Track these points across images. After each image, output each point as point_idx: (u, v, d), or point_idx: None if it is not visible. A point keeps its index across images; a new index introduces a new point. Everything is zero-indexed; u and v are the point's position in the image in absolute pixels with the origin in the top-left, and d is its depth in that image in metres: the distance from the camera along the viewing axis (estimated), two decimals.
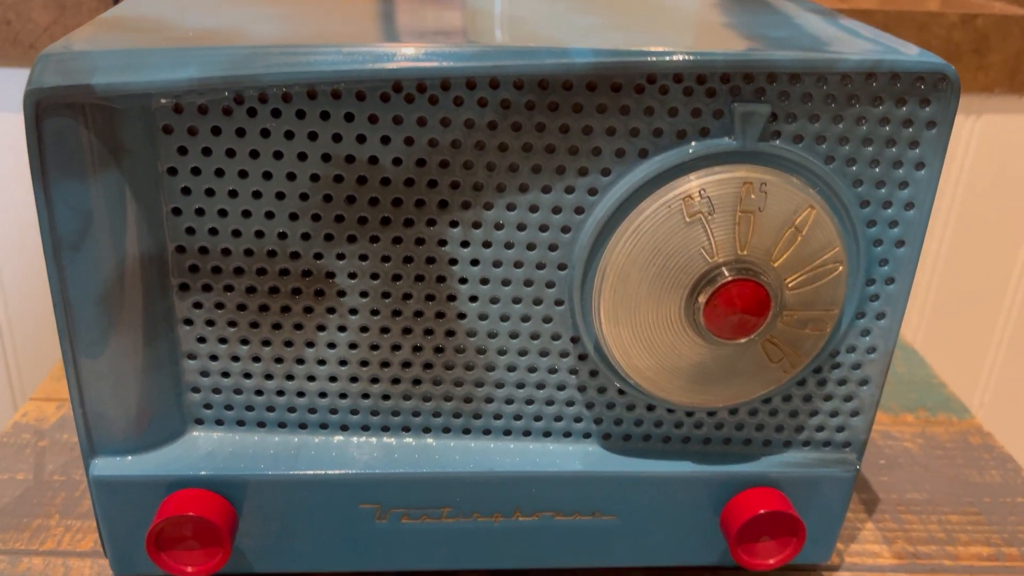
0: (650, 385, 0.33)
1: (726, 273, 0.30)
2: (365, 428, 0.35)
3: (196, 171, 0.30)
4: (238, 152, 0.30)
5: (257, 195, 0.30)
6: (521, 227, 0.31)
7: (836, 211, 0.31)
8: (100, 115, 0.28)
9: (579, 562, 0.36)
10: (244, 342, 0.33)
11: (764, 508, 0.34)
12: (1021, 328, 0.69)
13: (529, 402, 0.34)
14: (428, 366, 0.34)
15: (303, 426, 0.35)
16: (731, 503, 0.35)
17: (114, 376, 0.32)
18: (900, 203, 0.31)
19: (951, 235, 0.65)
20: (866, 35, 0.32)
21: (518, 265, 0.32)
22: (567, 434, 0.35)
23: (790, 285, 0.31)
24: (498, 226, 0.31)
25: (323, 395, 0.34)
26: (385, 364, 0.33)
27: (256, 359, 0.33)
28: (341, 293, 0.32)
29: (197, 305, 0.32)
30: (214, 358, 0.33)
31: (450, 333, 0.33)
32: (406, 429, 0.35)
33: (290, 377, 0.34)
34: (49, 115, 0.28)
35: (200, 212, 0.31)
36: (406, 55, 0.28)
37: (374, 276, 0.32)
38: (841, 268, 0.31)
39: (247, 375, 0.33)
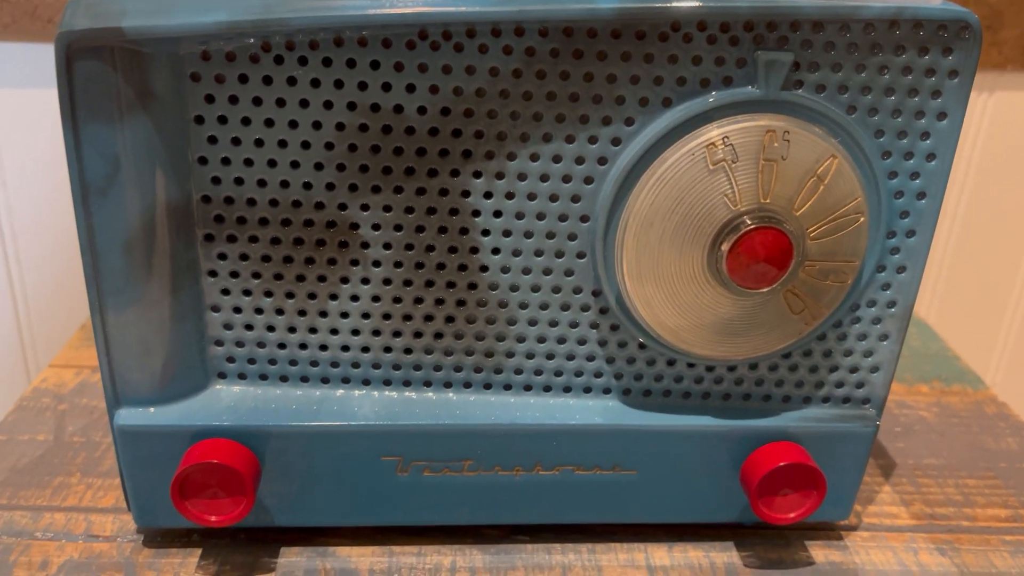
0: (672, 338, 0.33)
1: (748, 221, 0.30)
2: (387, 382, 0.35)
3: (223, 119, 0.30)
4: (264, 100, 0.30)
5: (283, 144, 0.31)
6: (544, 178, 0.31)
7: (858, 161, 0.31)
8: (129, 59, 0.28)
9: (600, 518, 0.36)
10: (268, 294, 0.33)
11: (784, 460, 0.34)
12: None
13: (550, 356, 0.35)
14: (450, 319, 0.34)
15: (325, 380, 0.35)
16: (751, 457, 0.35)
17: (139, 326, 0.32)
18: (921, 154, 0.32)
19: (963, 212, 0.65)
20: None
21: (540, 217, 0.32)
22: (587, 389, 0.35)
23: (812, 234, 0.31)
24: (521, 177, 0.31)
25: (345, 348, 0.34)
26: (407, 317, 0.34)
27: (279, 311, 0.33)
28: (365, 245, 0.32)
29: (222, 256, 0.32)
30: (238, 310, 0.33)
31: (472, 286, 0.33)
32: (427, 384, 0.35)
33: (313, 330, 0.34)
34: (79, 58, 0.28)
35: (226, 161, 0.31)
36: (430, 1, 0.28)
37: (397, 227, 0.32)
38: (863, 219, 0.31)
39: (270, 328, 0.34)
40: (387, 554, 0.36)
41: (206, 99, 0.30)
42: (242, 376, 0.35)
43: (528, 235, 0.32)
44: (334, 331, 0.34)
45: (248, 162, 0.31)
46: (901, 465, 0.43)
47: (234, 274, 0.33)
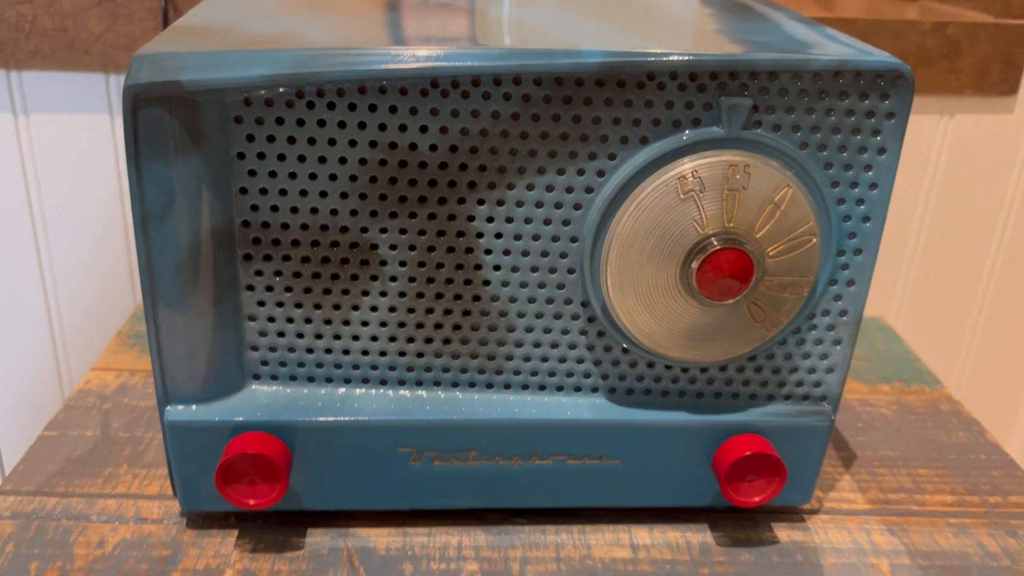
0: (651, 343, 0.38)
1: (715, 242, 0.35)
2: (401, 382, 0.40)
3: (261, 155, 0.35)
4: (298, 139, 0.35)
5: (313, 176, 0.35)
6: (539, 204, 0.36)
7: (810, 190, 0.36)
8: (184, 107, 0.33)
9: (589, 502, 0.41)
10: (298, 305, 0.38)
11: (750, 450, 0.38)
12: (995, 312, 0.74)
13: (544, 359, 0.39)
14: (457, 327, 0.39)
15: (347, 380, 0.40)
16: (721, 448, 0.40)
17: (186, 333, 0.37)
18: (865, 183, 0.36)
19: (928, 226, 0.70)
20: (837, 39, 0.37)
21: (536, 238, 0.37)
22: (577, 388, 0.40)
23: (771, 253, 0.36)
24: (519, 204, 0.36)
25: (365, 353, 0.39)
26: (420, 325, 0.38)
27: (308, 320, 0.38)
28: (383, 263, 0.37)
29: (258, 273, 0.37)
30: (271, 320, 0.38)
31: (476, 298, 0.38)
32: (437, 383, 0.40)
33: (337, 337, 0.39)
34: (143, 106, 0.33)
35: (263, 191, 0.36)
36: (442, 56, 0.33)
37: (412, 247, 0.37)
38: (815, 240, 0.36)
39: (300, 335, 0.38)
40: (401, 534, 0.41)
41: (247, 138, 0.35)
42: (274, 377, 0.39)
43: (525, 254, 0.37)
44: (355, 337, 0.39)
45: (283, 192, 0.36)
46: (861, 456, 0.48)
47: (269, 288, 0.37)
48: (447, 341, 0.39)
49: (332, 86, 0.34)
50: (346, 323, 0.38)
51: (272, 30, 0.36)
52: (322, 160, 0.35)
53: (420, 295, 0.38)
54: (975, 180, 0.68)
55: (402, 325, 0.38)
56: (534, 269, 0.37)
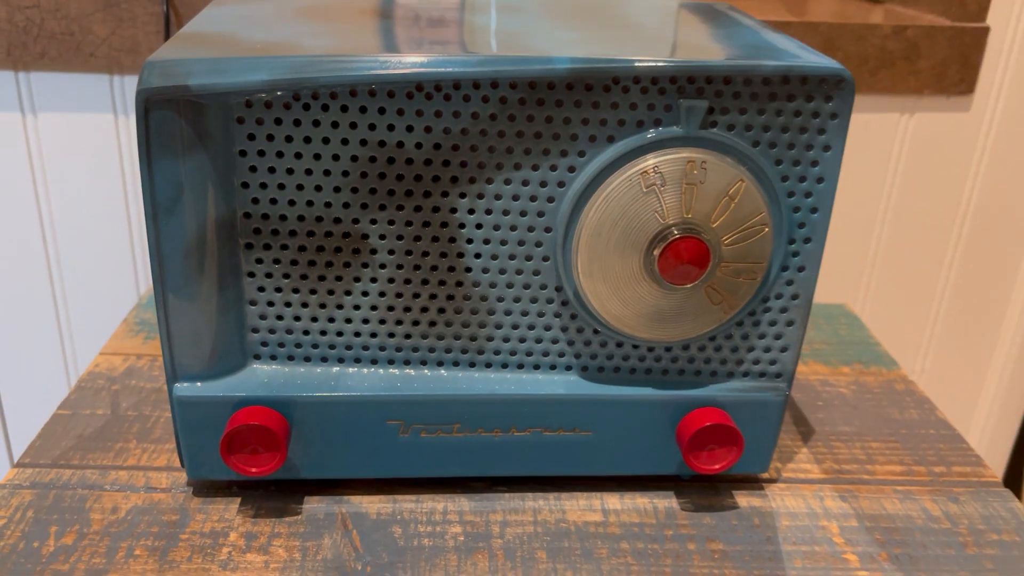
0: (619, 324, 0.41)
1: (675, 232, 0.39)
2: (391, 361, 0.43)
3: (261, 153, 0.38)
4: (294, 138, 0.38)
5: (308, 172, 0.39)
6: (515, 197, 0.40)
7: (762, 184, 0.40)
8: (191, 109, 0.37)
9: (563, 471, 0.45)
10: (295, 291, 0.41)
11: (710, 421, 0.42)
12: (955, 301, 0.78)
13: (522, 340, 0.43)
14: (441, 310, 0.42)
15: (341, 360, 0.43)
16: (684, 420, 0.43)
17: (192, 317, 0.40)
18: (812, 177, 0.40)
19: (891, 218, 0.74)
20: (787, 46, 0.41)
21: (513, 228, 0.40)
22: (552, 366, 0.44)
23: (726, 242, 0.40)
24: (497, 197, 0.40)
25: (357, 334, 0.42)
26: (407, 309, 0.42)
27: (304, 304, 0.42)
28: (373, 251, 0.40)
29: (259, 261, 0.40)
30: (271, 304, 0.41)
31: (459, 283, 0.41)
32: (423, 362, 0.43)
33: (331, 320, 0.42)
34: (154, 108, 0.36)
35: (263, 186, 0.39)
36: (426, 62, 0.37)
37: (399, 237, 0.40)
38: (767, 229, 0.40)
39: (297, 318, 0.42)
40: (391, 501, 0.44)
41: (248, 137, 0.38)
42: (273, 357, 0.43)
43: (503, 243, 0.41)
44: (348, 320, 0.42)
45: (281, 186, 0.39)
46: (819, 432, 0.52)
47: (268, 275, 0.41)
48: (432, 323, 0.42)
49: (326, 90, 0.37)
50: (339, 307, 0.42)
51: (271, 38, 0.39)
52: (317, 157, 0.38)
53: (407, 281, 0.41)
54: (935, 175, 0.72)
55: (391, 309, 0.42)
56: (511, 257, 0.41)
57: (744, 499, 0.46)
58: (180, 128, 0.37)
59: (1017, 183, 0.73)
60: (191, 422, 0.42)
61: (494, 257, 0.41)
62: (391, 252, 0.40)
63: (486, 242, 0.40)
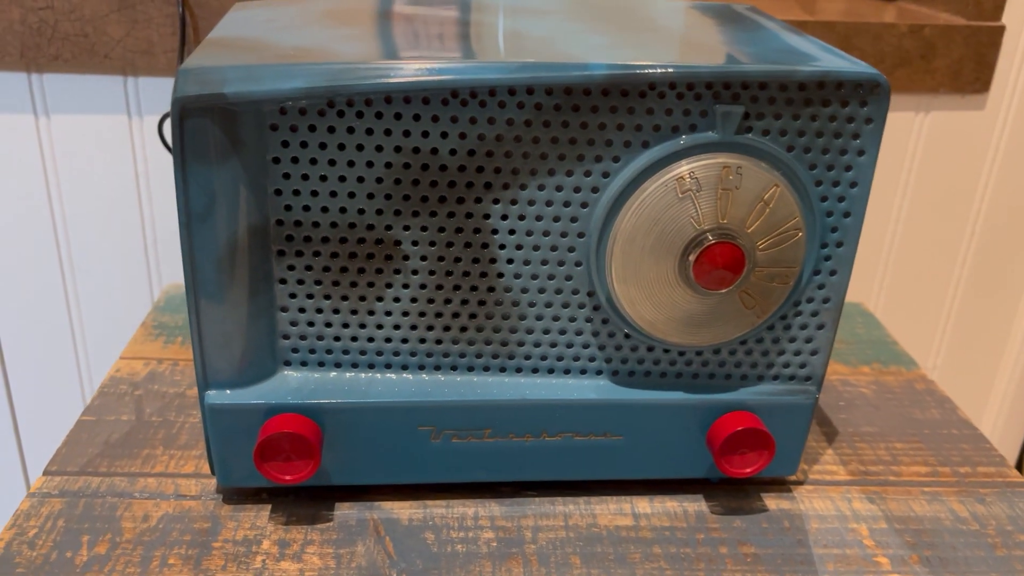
0: (651, 329, 0.41)
1: (710, 237, 0.39)
2: (421, 367, 0.43)
3: (295, 160, 0.38)
4: (328, 145, 0.38)
5: (342, 179, 0.39)
6: (549, 203, 0.40)
7: (796, 189, 0.40)
8: (225, 116, 0.36)
9: (594, 475, 0.45)
10: (327, 297, 0.41)
11: (742, 426, 0.42)
12: (968, 298, 0.78)
13: (553, 345, 0.43)
14: (473, 316, 0.42)
15: (371, 366, 0.43)
16: (715, 424, 0.43)
17: (224, 323, 0.40)
18: (846, 182, 0.40)
19: (905, 216, 0.74)
20: (821, 50, 0.41)
21: (546, 234, 0.40)
22: (583, 371, 0.44)
23: (761, 247, 0.39)
24: (531, 202, 0.39)
25: (388, 340, 0.42)
26: (439, 315, 0.42)
27: (336, 311, 0.41)
28: (405, 257, 0.40)
29: (291, 267, 0.40)
30: (302, 311, 0.41)
31: (491, 289, 0.41)
32: (454, 368, 0.43)
33: (362, 326, 0.42)
34: (189, 116, 0.36)
35: (296, 192, 0.39)
36: (461, 69, 0.37)
37: (432, 243, 0.40)
38: (801, 234, 0.40)
39: (328, 324, 0.42)
40: (422, 507, 0.44)
41: (282, 144, 0.38)
42: (304, 364, 0.43)
43: (536, 248, 0.40)
44: (379, 326, 0.42)
45: (314, 193, 0.39)
46: (842, 432, 0.52)
47: (300, 282, 0.41)
48: (464, 329, 0.42)
49: (361, 96, 0.37)
50: (371, 313, 0.41)
51: (303, 44, 0.39)
52: (351, 164, 0.38)
53: (439, 287, 0.41)
54: (949, 173, 0.72)
55: (422, 315, 0.42)
56: (544, 262, 0.41)
57: (773, 502, 0.46)
58: (215, 135, 0.36)
59: None
60: (222, 430, 0.42)
61: (526, 263, 0.41)
62: (423, 258, 0.40)
63: (518, 248, 0.40)
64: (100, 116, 0.65)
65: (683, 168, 0.38)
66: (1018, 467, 0.87)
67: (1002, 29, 0.66)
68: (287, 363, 0.43)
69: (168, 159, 0.66)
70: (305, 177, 0.38)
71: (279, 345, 0.42)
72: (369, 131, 0.38)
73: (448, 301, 0.41)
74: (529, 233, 0.40)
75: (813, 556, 0.42)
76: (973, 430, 0.52)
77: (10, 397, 0.74)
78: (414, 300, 0.41)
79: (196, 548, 0.41)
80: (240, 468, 0.42)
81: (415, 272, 0.41)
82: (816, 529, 0.44)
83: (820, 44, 0.42)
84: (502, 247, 0.40)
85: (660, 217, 0.38)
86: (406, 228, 0.40)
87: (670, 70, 0.37)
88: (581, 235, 0.40)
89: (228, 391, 0.42)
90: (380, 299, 0.41)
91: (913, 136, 0.70)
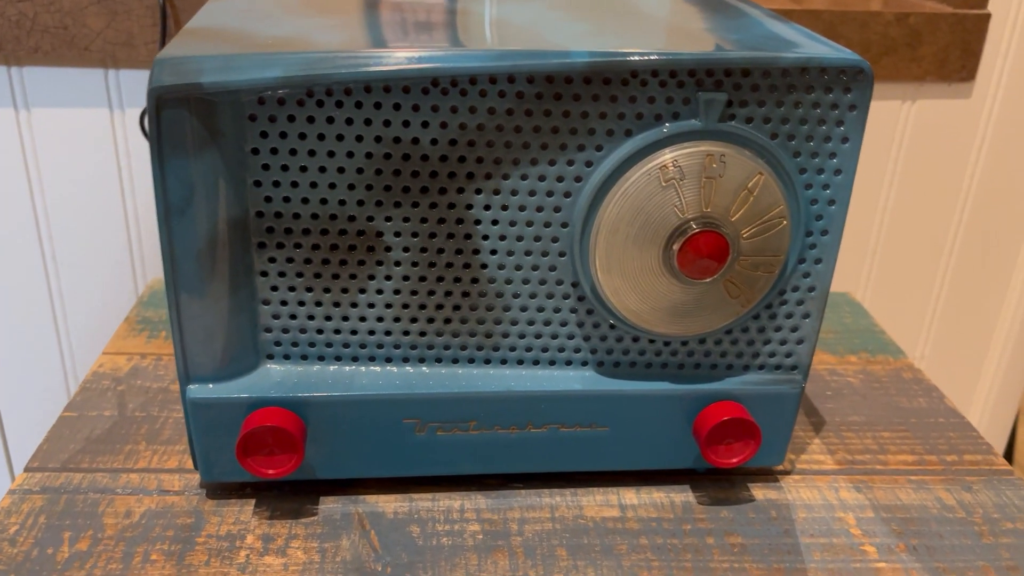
0: (636, 319, 0.41)
1: (694, 226, 0.38)
2: (405, 359, 0.43)
3: (274, 151, 0.38)
4: (308, 135, 0.37)
5: (322, 170, 0.38)
6: (532, 193, 0.39)
7: (780, 177, 0.39)
8: (203, 107, 0.36)
9: (580, 466, 0.44)
10: (309, 290, 0.41)
11: (728, 416, 0.42)
12: (956, 287, 0.78)
13: (538, 336, 0.42)
14: (457, 307, 0.42)
15: (355, 359, 0.42)
16: (701, 414, 0.43)
17: (205, 317, 0.40)
18: (830, 170, 0.40)
19: (892, 205, 0.74)
20: (804, 37, 0.40)
21: (529, 224, 0.40)
22: (568, 362, 0.43)
23: (745, 235, 0.39)
24: (513, 192, 0.39)
25: (372, 333, 0.42)
26: (422, 306, 0.41)
27: (318, 304, 0.41)
28: (388, 248, 0.40)
29: (271, 260, 0.40)
30: (284, 303, 0.41)
31: (474, 280, 0.41)
32: (439, 360, 0.43)
33: (345, 318, 0.41)
34: (165, 107, 0.35)
35: (276, 184, 0.38)
36: (442, 57, 0.36)
37: (414, 234, 0.40)
38: (785, 222, 0.40)
39: (310, 317, 0.41)
40: (407, 500, 0.44)
41: (261, 135, 0.37)
42: (287, 357, 0.42)
43: (519, 239, 0.40)
44: (362, 319, 0.41)
45: (294, 184, 0.38)
46: (829, 422, 0.52)
47: (281, 274, 0.40)
48: (447, 321, 0.42)
49: (340, 86, 0.36)
50: (353, 305, 0.41)
51: (281, 33, 0.39)
52: (331, 154, 0.38)
53: (422, 278, 0.41)
54: (936, 163, 0.72)
55: (405, 307, 0.41)
56: (527, 253, 0.40)
57: (760, 491, 0.46)
58: (192, 126, 0.36)
59: (1018, 170, 0.73)
60: (204, 424, 0.41)
61: (510, 253, 0.40)
62: (406, 250, 0.40)
63: (502, 238, 0.40)
64: (81, 109, 0.64)
65: (666, 156, 0.38)
66: (1006, 456, 0.87)
67: (988, 17, 0.66)
68: (269, 356, 0.42)
69: None
70: (285, 168, 0.38)
71: (261, 338, 0.42)
72: (349, 121, 0.37)
73: (431, 293, 0.41)
74: (512, 224, 0.40)
75: (800, 546, 0.42)
76: (960, 418, 0.52)
77: None
78: (397, 292, 0.41)
79: (179, 543, 0.40)
80: (223, 463, 0.42)
81: (397, 264, 0.40)
82: (803, 519, 0.44)
83: (804, 31, 0.42)
84: (485, 238, 0.40)
85: (644, 206, 0.38)
86: (388, 219, 0.39)
87: (652, 57, 0.37)
88: (564, 225, 0.40)
89: (210, 385, 0.41)
90: (362, 291, 0.41)
91: (899, 125, 0.70)
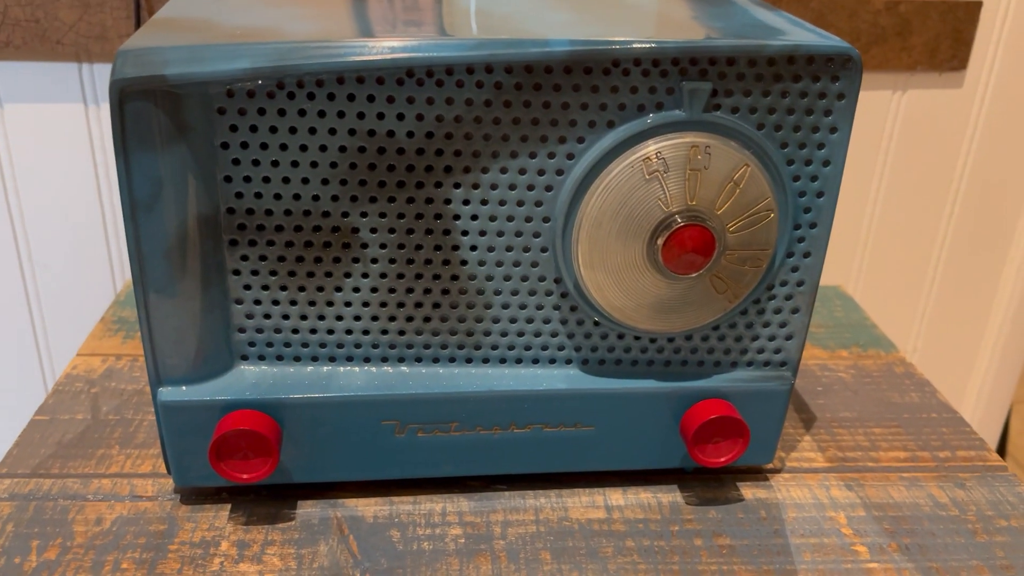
0: (620, 316, 0.40)
1: (679, 220, 0.37)
2: (384, 359, 0.41)
3: (244, 145, 0.36)
4: (279, 129, 0.36)
5: (295, 164, 0.37)
6: (512, 187, 0.38)
7: (767, 168, 0.38)
8: (168, 99, 0.35)
9: (565, 467, 0.43)
10: (283, 288, 0.39)
11: (715, 414, 0.41)
12: (948, 280, 0.77)
13: (520, 334, 0.41)
14: (436, 305, 0.40)
15: (332, 359, 0.41)
16: (688, 412, 0.42)
17: (176, 318, 0.38)
18: (818, 160, 0.39)
19: (883, 196, 0.73)
20: (792, 24, 0.39)
21: (510, 219, 0.39)
22: (552, 360, 0.42)
23: (731, 229, 0.38)
24: (493, 186, 0.38)
25: (349, 332, 0.41)
26: (400, 304, 0.40)
27: (293, 303, 0.40)
28: (364, 245, 0.39)
29: (244, 258, 0.39)
30: (257, 303, 0.40)
31: (454, 277, 0.40)
32: (418, 359, 0.42)
33: (321, 317, 0.40)
34: (129, 100, 0.34)
35: (247, 179, 0.37)
36: (417, 47, 0.35)
37: (391, 230, 0.38)
38: (772, 215, 0.39)
39: (285, 316, 0.40)
40: (388, 503, 0.43)
41: (230, 128, 0.36)
42: (261, 358, 0.41)
43: (500, 234, 0.39)
44: (339, 317, 0.40)
45: (266, 179, 0.37)
46: (820, 418, 0.51)
47: (254, 272, 0.39)
48: (427, 319, 0.41)
49: (311, 77, 0.35)
50: (329, 304, 0.40)
51: (251, 23, 0.37)
52: (303, 148, 0.37)
53: (400, 276, 0.39)
54: (927, 153, 0.71)
55: (383, 305, 0.40)
56: (509, 248, 0.39)
57: (749, 491, 0.45)
58: (158, 120, 0.35)
59: (1009, 159, 0.72)
60: (177, 428, 0.40)
61: (490, 249, 0.39)
62: (382, 246, 0.39)
63: (482, 234, 0.39)
64: (55, 105, 0.63)
65: (650, 148, 0.37)
66: (999, 451, 0.86)
67: (979, 5, 0.65)
68: (243, 357, 0.41)
69: None
70: (256, 163, 0.37)
71: (235, 339, 0.40)
72: (321, 113, 0.36)
73: (410, 290, 0.40)
74: (492, 218, 0.39)
75: (790, 546, 0.41)
76: (953, 414, 0.51)
77: None
78: (374, 290, 0.40)
79: (151, 551, 0.39)
80: (197, 467, 0.41)
81: (374, 260, 0.39)
82: (793, 518, 0.43)
83: (791, 19, 0.41)
84: (464, 233, 0.39)
85: (627, 200, 0.37)
86: (363, 215, 0.38)
87: (634, 46, 0.35)
88: (546, 220, 0.39)
89: (183, 387, 0.40)
90: (339, 289, 0.40)
91: (890, 116, 0.69)
